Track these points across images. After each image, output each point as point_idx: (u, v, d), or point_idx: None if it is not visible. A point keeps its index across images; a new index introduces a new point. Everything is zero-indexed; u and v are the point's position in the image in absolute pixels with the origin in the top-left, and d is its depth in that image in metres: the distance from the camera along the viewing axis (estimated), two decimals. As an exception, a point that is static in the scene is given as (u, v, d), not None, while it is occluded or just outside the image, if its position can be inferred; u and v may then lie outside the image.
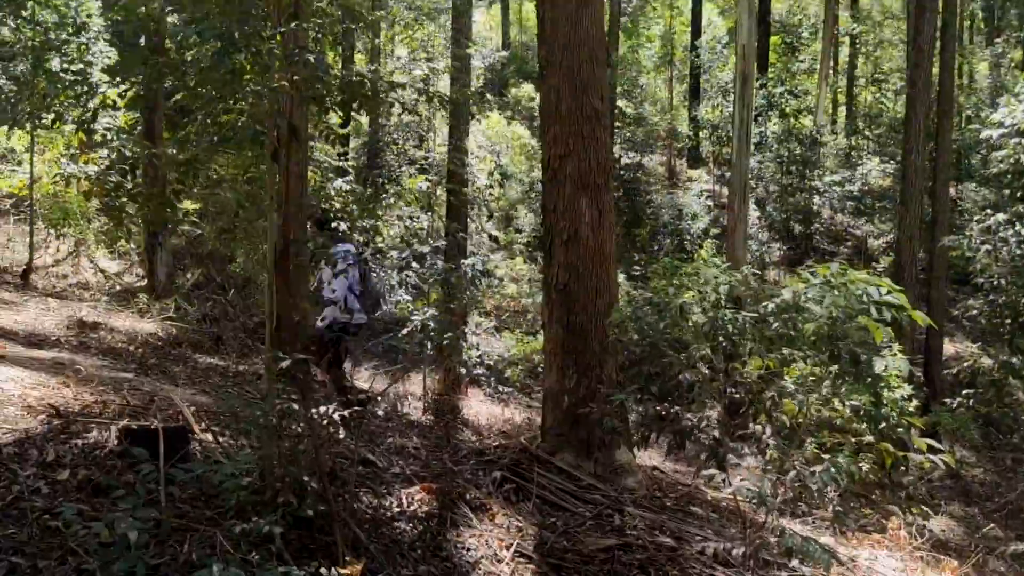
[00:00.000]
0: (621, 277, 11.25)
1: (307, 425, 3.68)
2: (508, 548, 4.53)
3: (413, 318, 9.00)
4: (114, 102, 13.70)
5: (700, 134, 24.24)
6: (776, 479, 3.62)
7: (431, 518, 4.62)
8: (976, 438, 12.16)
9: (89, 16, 13.42)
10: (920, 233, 13.24)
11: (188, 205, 14.74)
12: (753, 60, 12.82)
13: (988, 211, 12.41)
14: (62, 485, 3.73)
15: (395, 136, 15.34)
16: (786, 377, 4.42)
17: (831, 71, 25.82)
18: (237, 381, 8.10)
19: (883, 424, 4.32)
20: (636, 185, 19.05)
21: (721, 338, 4.19)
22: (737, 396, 4.33)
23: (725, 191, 19.18)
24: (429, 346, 9.24)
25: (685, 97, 26.97)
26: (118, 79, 13.78)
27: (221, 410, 5.89)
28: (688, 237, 18.00)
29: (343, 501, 4.19)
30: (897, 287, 3.95)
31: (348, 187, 11.60)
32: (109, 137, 13.89)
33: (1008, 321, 11.45)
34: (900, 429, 4.44)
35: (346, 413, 3.66)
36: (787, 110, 19.72)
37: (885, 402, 4.46)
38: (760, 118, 19.64)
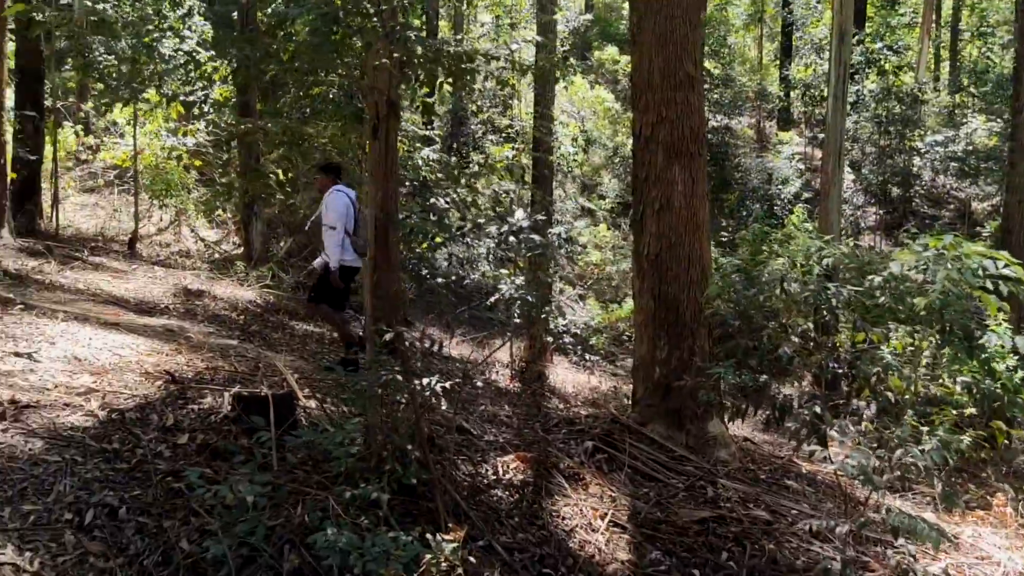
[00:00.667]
0: (710, 244, 11.06)
1: (409, 396, 3.78)
2: (603, 518, 4.57)
3: (501, 287, 9.08)
4: (209, 76, 14.15)
5: (791, 94, 23.38)
6: (884, 456, 3.53)
7: (526, 486, 4.70)
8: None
9: (183, -4, 13.83)
10: (1030, 195, 12.49)
11: (281, 175, 15.20)
12: (851, 14, 12.24)
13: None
14: (182, 449, 3.95)
15: (479, 104, 15.35)
16: (886, 351, 4.28)
17: (933, 25, 24.43)
18: (332, 348, 8.35)
19: (996, 402, 4.15)
20: (724, 149, 18.57)
21: (824, 311, 4.08)
22: (839, 371, 4.22)
23: (818, 154, 18.53)
24: (516, 315, 9.31)
25: (775, 56, 26.01)
26: (213, 53, 14.23)
27: (321, 377, 6.10)
28: (778, 202, 17.49)
29: (442, 469, 4.30)
30: (1016, 260, 3.76)
31: (435, 156, 11.72)
32: (206, 110, 14.38)
33: None
34: (1015, 407, 4.26)
35: (447, 384, 3.74)
36: (886, 67, 18.79)
37: (998, 378, 4.27)
38: (857, 76, 18.77)
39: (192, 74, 13.33)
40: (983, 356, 3.83)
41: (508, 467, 4.83)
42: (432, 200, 6.58)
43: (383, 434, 4.00)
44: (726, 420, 6.00)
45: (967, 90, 22.37)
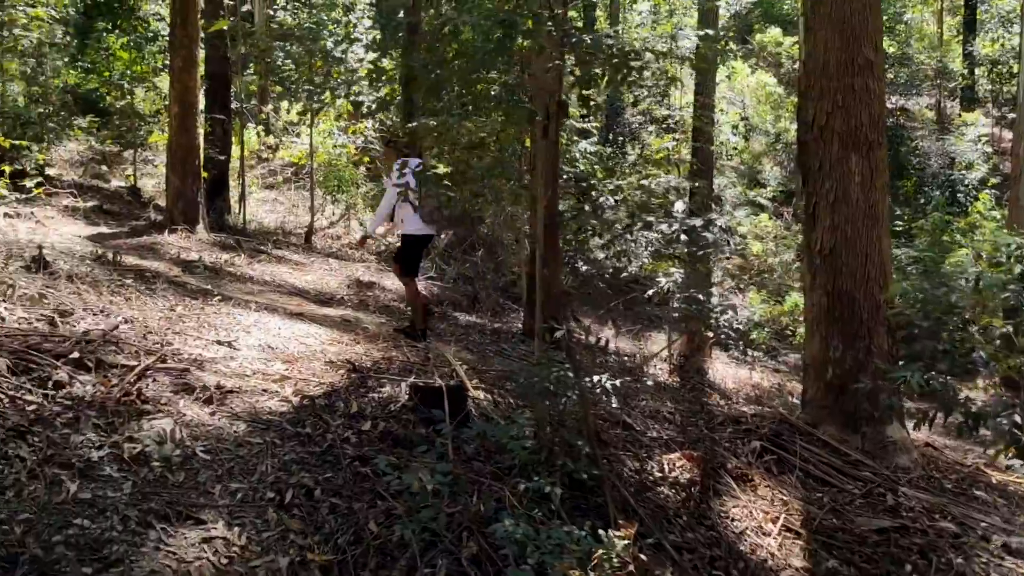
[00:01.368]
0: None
1: (579, 392, 3.83)
2: (774, 521, 4.45)
3: (660, 280, 8.98)
4: (376, 76, 14.83)
5: (976, 72, 21.54)
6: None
7: (693, 485, 4.65)
8: None
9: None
10: None
11: (441, 169, 15.72)
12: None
13: None
14: (366, 435, 4.20)
15: (637, 94, 15.15)
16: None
17: None
18: (495, 339, 8.58)
19: None
20: (899, 132, 17.39)
21: (1026, 314, 3.77)
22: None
23: (1007, 135, 17.00)
24: (676, 308, 9.19)
25: (957, 31, 24.03)
26: (379, 55, 14.91)
27: (483, 367, 6.28)
28: (961, 189, 16.21)
29: (609, 464, 4.33)
30: None
31: (592, 149, 11.74)
32: (373, 108, 15.06)
33: None
34: None
35: (616, 382, 3.76)
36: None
37: None
38: (1054, 49, 17.02)
39: (351, 72, 14.00)
40: None
41: (674, 465, 4.79)
42: (599, 198, 6.65)
43: (553, 429, 4.08)
44: (909, 425, 5.67)
45: None
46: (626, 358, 9.11)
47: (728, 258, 14.88)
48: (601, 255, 13.41)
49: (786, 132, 18.81)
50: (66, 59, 12.88)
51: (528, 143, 10.65)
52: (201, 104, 12.15)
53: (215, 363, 4.79)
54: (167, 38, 12.27)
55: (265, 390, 4.52)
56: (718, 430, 5.85)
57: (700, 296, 7.68)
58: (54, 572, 2.70)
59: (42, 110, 11.19)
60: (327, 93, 13.84)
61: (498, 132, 10.71)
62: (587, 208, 7.29)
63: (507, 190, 11.39)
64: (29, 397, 3.59)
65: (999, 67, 19.60)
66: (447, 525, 3.41)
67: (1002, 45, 20.00)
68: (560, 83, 4.39)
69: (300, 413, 4.32)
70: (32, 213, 7.88)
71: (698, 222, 4.57)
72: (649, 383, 7.95)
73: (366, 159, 16.27)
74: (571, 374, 3.82)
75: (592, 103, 6.23)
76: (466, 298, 10.67)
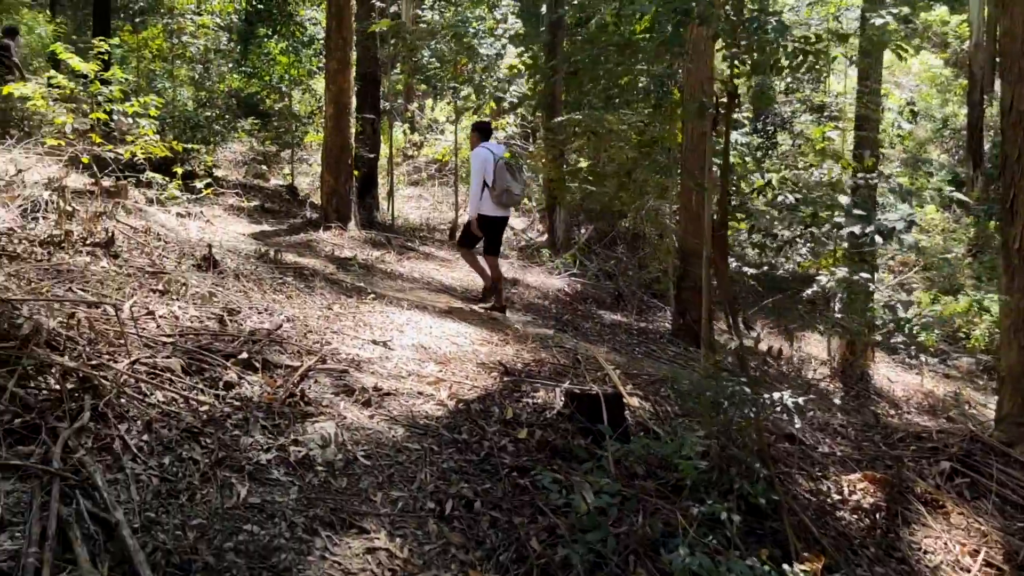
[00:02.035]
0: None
1: (755, 409, 3.50)
2: (973, 555, 3.96)
3: (820, 278, 8.39)
4: (519, 70, 14.75)
5: None
6: None
7: (877, 511, 4.21)
8: None
9: (497, -10, 14.50)
10: None
11: (583, 163, 15.47)
12: None
13: None
14: (523, 444, 4.03)
15: (789, 80, 14.34)
16: None
17: None
18: (642, 339, 8.27)
19: None
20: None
21: None
22: None
23: None
24: (837, 307, 8.58)
25: None
26: (522, 48, 14.82)
27: (634, 371, 6.01)
28: None
29: (783, 486, 3.97)
30: None
31: (743, 139, 11.15)
32: (516, 104, 15.01)
33: None
34: None
35: (800, 400, 3.41)
36: None
37: None
38: None
39: (495, 67, 13.95)
40: None
41: (855, 487, 4.36)
42: (776, 195, 6.23)
43: (724, 446, 3.77)
44: None
45: None
46: (783, 363, 8.57)
47: (892, 258, 13.83)
48: (751, 250, 12.78)
49: (954, 117, 17.32)
50: (230, 64, 13.55)
51: (679, 136, 10.23)
52: (353, 105, 12.49)
53: (372, 363, 4.77)
54: (322, 42, 12.66)
55: (420, 393, 4.45)
56: (898, 447, 5.32)
57: (861, 295, 7.08)
58: (226, 580, 2.69)
59: (209, 114, 11.80)
60: (471, 90, 13.90)
61: (645, 124, 10.35)
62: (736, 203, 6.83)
63: (653, 184, 11.02)
64: (202, 398, 3.64)
65: None
66: (614, 548, 3.19)
67: None
68: (732, 71, 4.05)
69: (456, 418, 4.22)
70: (202, 212, 8.27)
71: (899, 223, 4.10)
72: (812, 389, 7.43)
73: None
74: (747, 389, 3.50)
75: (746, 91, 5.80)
76: (610, 295, 10.40)
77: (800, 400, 3.39)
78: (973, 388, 10.44)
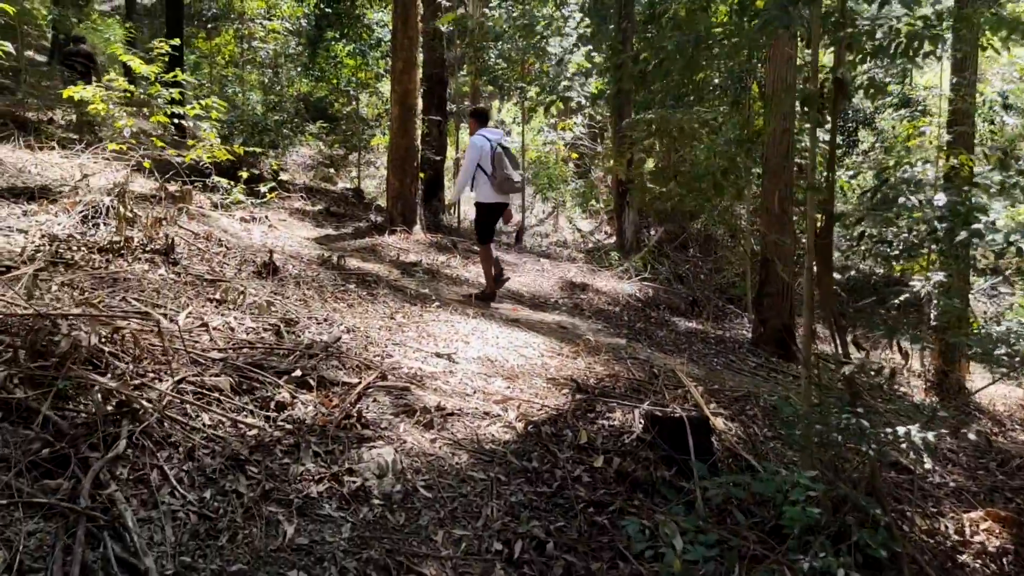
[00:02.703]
0: None
1: (876, 448, 2.98)
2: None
3: (914, 284, 7.71)
4: (587, 70, 14.29)
5: None
6: None
7: (1004, 555, 3.63)
8: None
9: (565, -10, 14.04)
10: None
11: (650, 164, 14.91)
12: None
13: None
14: (600, 474, 3.60)
15: (869, 70, 13.48)
16: None
17: None
18: (720, 349, 7.73)
19: None
20: None
21: None
22: None
23: None
24: (932, 315, 7.88)
25: None
26: (590, 48, 14.34)
27: (716, 386, 5.51)
28: None
29: (899, 527, 3.44)
30: None
31: (825, 137, 10.47)
32: (583, 104, 14.55)
33: None
34: None
35: (931, 436, 2.88)
36: None
37: None
38: None
39: (562, 66, 13.49)
40: None
41: (978, 526, 3.78)
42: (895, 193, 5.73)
43: (830, 482, 3.26)
44: None
45: None
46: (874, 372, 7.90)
47: (979, 261, 12.87)
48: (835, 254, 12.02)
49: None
50: (299, 68, 13.45)
51: (761, 132, 9.61)
52: (419, 106, 12.22)
53: (435, 379, 4.40)
54: (389, 43, 12.43)
55: (487, 413, 4.06)
56: (1017, 476, 4.70)
57: (955, 299, 6.40)
58: (267, 639, 2.33)
59: (278, 117, 11.68)
60: (537, 90, 13.49)
61: (720, 123, 9.75)
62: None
63: (730, 184, 10.40)
64: (250, 420, 3.32)
65: None
66: (708, 606, 2.73)
67: None
68: (838, 60, 3.55)
69: (525, 443, 3.81)
70: (266, 217, 8.07)
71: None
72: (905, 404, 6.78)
73: (575, 155, 15.80)
74: (865, 422, 2.98)
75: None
76: (684, 301, 9.85)
77: (931, 436, 2.86)
78: (1081, 403, 9.51)
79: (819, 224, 3.66)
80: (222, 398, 3.40)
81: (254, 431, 3.26)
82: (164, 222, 5.67)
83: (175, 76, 6.66)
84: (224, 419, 3.27)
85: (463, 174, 7.08)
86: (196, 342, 4.00)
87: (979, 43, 9.96)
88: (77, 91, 5.98)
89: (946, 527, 3.83)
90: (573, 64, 14.07)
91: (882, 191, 3.43)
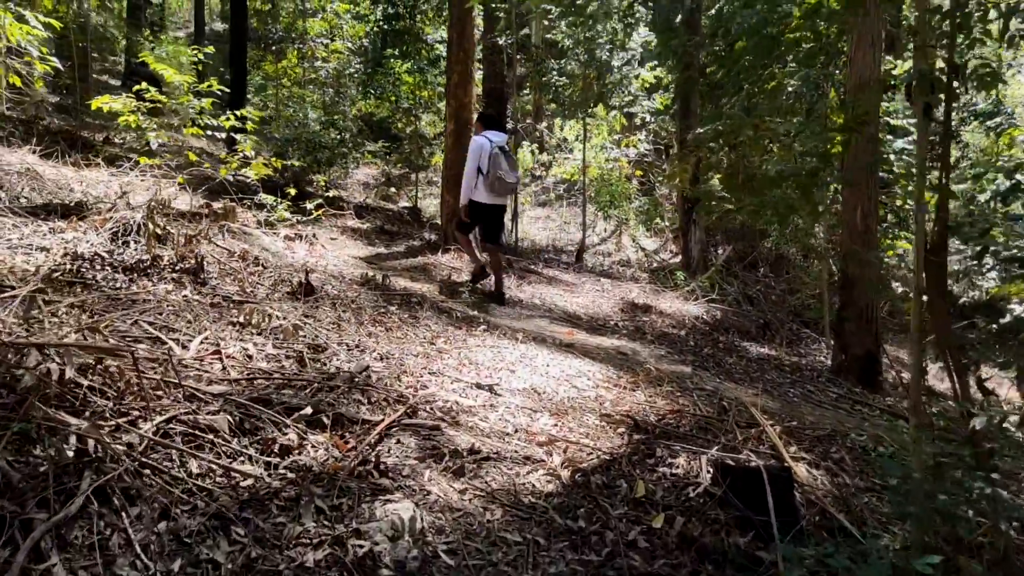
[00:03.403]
0: None
1: (1014, 518, 2.27)
2: None
3: (1013, 307, 6.80)
4: (652, 85, 13.63)
5: None
6: None
7: None
8: None
9: (631, 4, 13.45)
10: None
11: (716, 181, 14.11)
12: None
13: None
14: (659, 538, 2.95)
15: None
16: None
17: None
18: (796, 378, 6.93)
19: None
20: None
21: None
22: None
23: None
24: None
25: None
26: (655, 63, 13.69)
27: (794, 422, 4.78)
28: None
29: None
30: None
31: (911, 147, 9.56)
32: (648, 119, 13.89)
33: None
34: None
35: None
36: None
37: None
38: None
39: (626, 81, 12.87)
40: None
41: None
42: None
43: (949, 558, 2.54)
44: None
45: None
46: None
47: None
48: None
49: None
50: (360, 88, 13.18)
51: (838, 145, 8.77)
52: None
53: (472, 414, 3.83)
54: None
55: (528, 457, 3.45)
56: None
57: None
58: None
59: (335, 136, 11.38)
60: (599, 106, 12.90)
61: (794, 133, 8.94)
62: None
63: (808, 202, 9.53)
64: (247, 468, 2.79)
65: None
66: None
67: None
68: (953, 41, 2.88)
69: (571, 495, 3.18)
70: (314, 235, 7.67)
71: None
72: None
73: (639, 172, 15.11)
74: (1001, 492, 2.27)
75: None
76: (754, 324, 9.05)
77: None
78: None
79: (930, 238, 2.96)
80: (217, 440, 2.88)
81: (249, 481, 2.73)
82: (196, 240, 5.26)
83: (210, 85, 6.32)
84: (215, 466, 2.75)
85: (467, 175, 6.94)
86: (205, 372, 3.53)
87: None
88: (105, 101, 5.69)
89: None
90: (637, 81, 13.44)
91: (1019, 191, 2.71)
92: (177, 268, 4.97)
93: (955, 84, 3.11)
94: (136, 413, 2.85)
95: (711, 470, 3.45)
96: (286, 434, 3.06)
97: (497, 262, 7.30)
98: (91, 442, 2.52)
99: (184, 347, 3.79)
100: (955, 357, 2.90)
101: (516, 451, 3.49)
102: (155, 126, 5.91)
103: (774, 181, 9.27)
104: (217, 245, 5.63)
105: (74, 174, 6.78)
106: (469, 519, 2.91)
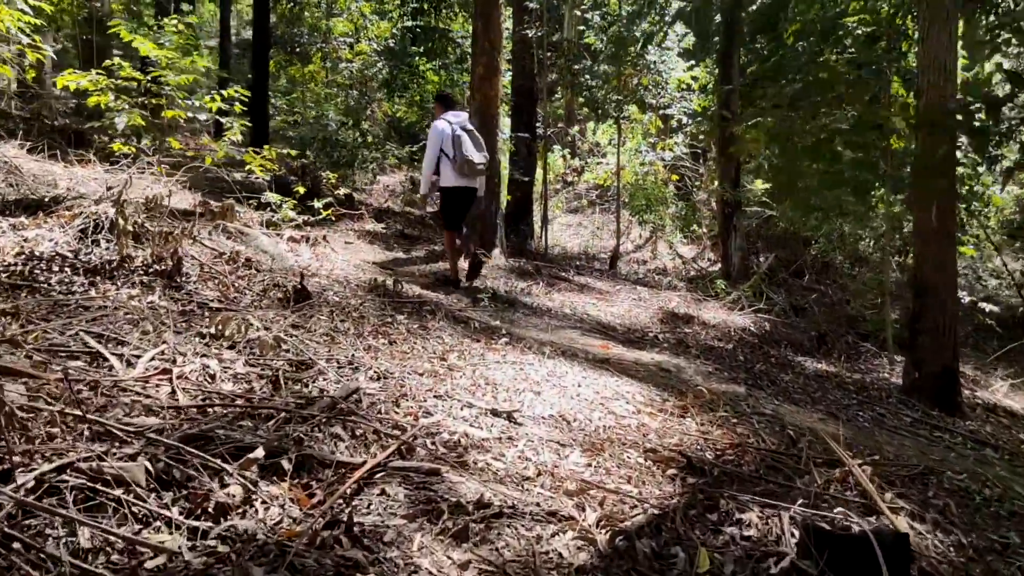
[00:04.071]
0: None
1: None
2: None
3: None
4: (688, 86, 12.73)
5: None
6: None
7: None
8: None
9: (667, 1, 12.56)
10: None
11: (759, 185, 13.12)
12: None
13: None
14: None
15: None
16: None
17: None
18: (863, 398, 5.98)
19: None
20: None
21: None
22: None
23: None
24: None
25: None
26: (692, 63, 12.77)
27: (878, 456, 3.87)
28: None
29: None
30: None
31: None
32: (685, 121, 13.00)
33: None
34: None
35: None
36: None
37: None
38: None
39: (662, 82, 11.95)
40: None
41: None
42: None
43: None
44: None
45: None
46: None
47: None
48: (993, 282, 9.96)
49: None
50: (383, 87, 12.45)
51: (895, 141, 7.83)
52: (504, 122, 10.96)
53: (484, 451, 2.99)
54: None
55: (553, 513, 2.59)
56: None
57: None
58: None
59: (356, 136, 10.65)
60: (634, 107, 12.01)
61: (853, 126, 7.96)
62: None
63: (859, 202, 8.51)
64: (161, 538, 1.98)
65: None
66: None
67: None
68: None
69: (611, 570, 2.32)
70: (324, 237, 6.90)
71: None
72: None
73: (675, 177, 14.19)
74: None
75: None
76: (807, 337, 8.08)
77: None
78: None
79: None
80: (126, 498, 2.07)
81: (159, 560, 1.91)
82: (176, 238, 4.51)
83: (193, 62, 5.59)
84: (113, 537, 1.94)
85: (427, 162, 6.62)
86: (147, 397, 2.73)
87: None
88: (71, 79, 4.98)
89: None
90: (673, 81, 12.53)
91: None
92: (151, 270, 4.22)
93: None
94: (17, 459, 2.05)
95: (796, 533, 2.56)
96: (227, 486, 2.24)
97: (463, 246, 6.92)
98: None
99: (130, 364, 3.01)
100: None
101: (538, 503, 2.64)
102: (124, 105, 5.19)
103: (825, 182, 8.28)
104: (204, 245, 4.88)
105: (63, 170, 6.10)
106: (470, 611, 2.06)
